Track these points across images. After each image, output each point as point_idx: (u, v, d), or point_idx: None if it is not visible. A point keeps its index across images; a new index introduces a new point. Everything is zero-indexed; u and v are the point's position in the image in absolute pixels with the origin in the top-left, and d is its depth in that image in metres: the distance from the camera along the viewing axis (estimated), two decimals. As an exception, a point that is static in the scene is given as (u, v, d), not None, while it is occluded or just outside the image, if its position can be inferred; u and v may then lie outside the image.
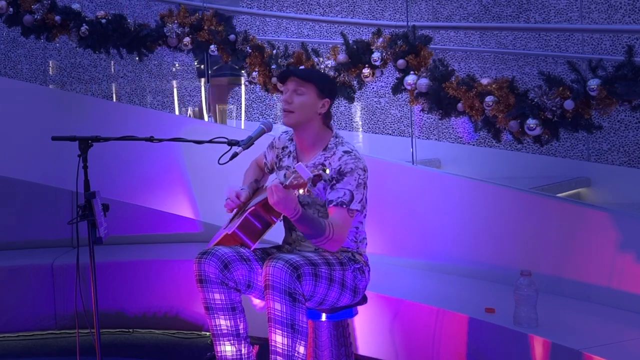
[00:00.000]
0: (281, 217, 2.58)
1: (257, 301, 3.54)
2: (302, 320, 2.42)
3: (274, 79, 3.92)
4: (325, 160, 2.61)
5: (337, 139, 2.67)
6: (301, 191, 2.29)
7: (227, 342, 2.58)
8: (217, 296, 2.55)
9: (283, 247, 2.79)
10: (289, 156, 2.75)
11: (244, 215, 2.57)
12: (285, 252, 2.71)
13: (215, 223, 4.18)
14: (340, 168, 2.55)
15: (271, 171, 2.89)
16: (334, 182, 2.54)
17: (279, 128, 2.97)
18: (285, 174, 2.70)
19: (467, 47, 5.39)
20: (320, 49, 4.46)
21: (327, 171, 2.30)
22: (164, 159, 4.38)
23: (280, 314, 2.39)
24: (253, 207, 2.56)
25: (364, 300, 2.72)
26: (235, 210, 2.76)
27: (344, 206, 2.52)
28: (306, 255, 2.54)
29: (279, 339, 2.40)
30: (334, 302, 2.58)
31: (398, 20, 5.45)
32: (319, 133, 2.67)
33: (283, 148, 2.80)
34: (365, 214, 2.71)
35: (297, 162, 2.70)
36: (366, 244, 2.75)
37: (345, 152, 2.60)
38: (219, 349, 2.59)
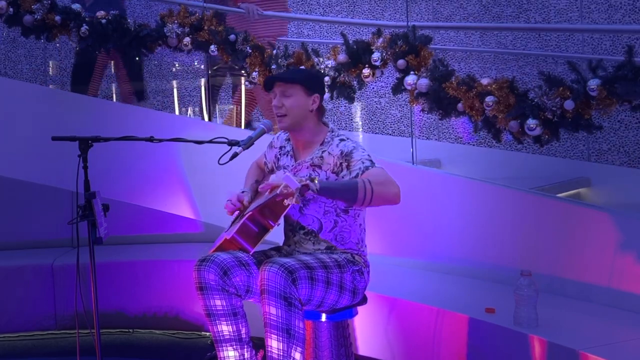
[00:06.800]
0: (279, 222, 2.55)
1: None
2: (298, 325, 2.40)
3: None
4: (323, 153, 2.62)
5: (333, 133, 2.68)
6: (287, 201, 2.26)
7: (229, 348, 2.56)
8: (218, 302, 2.53)
9: (283, 249, 2.79)
10: (286, 155, 2.76)
11: (242, 221, 2.56)
12: (284, 254, 2.70)
13: (216, 223, 4.17)
14: (342, 152, 2.57)
15: (271, 171, 2.88)
16: (346, 164, 2.54)
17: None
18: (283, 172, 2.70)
19: (467, 47, 5.39)
20: (320, 49, 4.45)
21: (316, 180, 2.29)
22: (164, 159, 4.37)
23: (275, 319, 2.38)
24: (250, 212, 2.55)
25: (363, 300, 2.72)
26: (236, 214, 2.76)
27: (370, 168, 2.50)
28: (303, 259, 2.53)
29: (274, 344, 2.39)
30: (332, 304, 2.57)
31: (398, 20, 5.44)
32: (315, 130, 2.67)
33: (281, 147, 2.80)
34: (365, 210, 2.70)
35: (295, 160, 2.71)
36: (366, 245, 2.75)
37: (341, 140, 2.63)
38: (221, 355, 2.57)
